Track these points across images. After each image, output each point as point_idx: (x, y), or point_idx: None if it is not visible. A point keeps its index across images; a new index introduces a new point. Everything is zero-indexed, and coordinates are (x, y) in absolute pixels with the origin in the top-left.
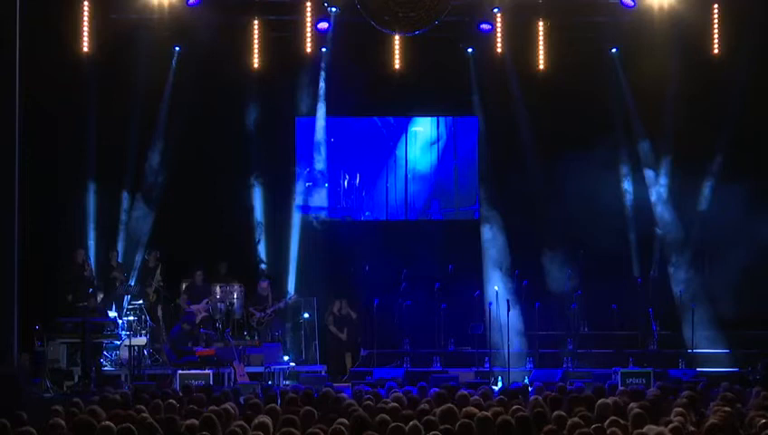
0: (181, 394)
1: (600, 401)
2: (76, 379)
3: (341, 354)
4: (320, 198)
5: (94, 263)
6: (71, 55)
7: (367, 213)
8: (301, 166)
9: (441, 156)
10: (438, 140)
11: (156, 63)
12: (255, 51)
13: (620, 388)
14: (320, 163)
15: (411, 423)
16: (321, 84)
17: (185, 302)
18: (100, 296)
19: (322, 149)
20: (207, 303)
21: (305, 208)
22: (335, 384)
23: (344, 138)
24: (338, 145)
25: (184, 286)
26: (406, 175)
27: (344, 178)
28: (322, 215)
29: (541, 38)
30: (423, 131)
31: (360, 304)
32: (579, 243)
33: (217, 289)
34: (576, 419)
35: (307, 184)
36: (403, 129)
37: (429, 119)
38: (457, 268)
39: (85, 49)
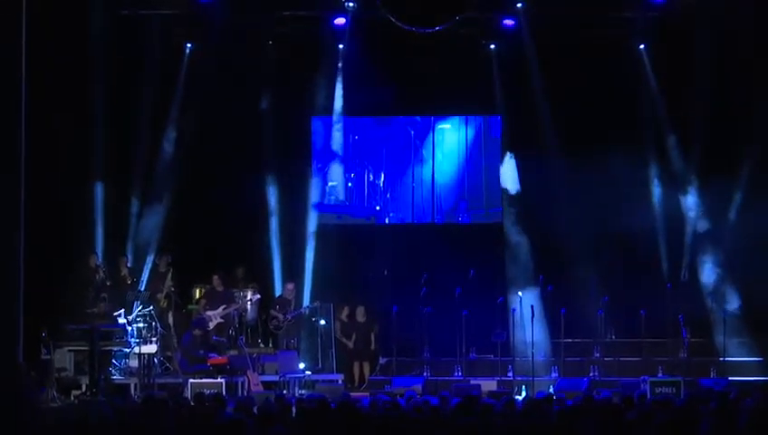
0: (193, 404)
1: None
2: (84, 388)
3: (350, 363)
4: (341, 197)
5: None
6: (78, 52)
7: (391, 214)
8: (317, 166)
9: (470, 154)
10: (467, 138)
11: (167, 61)
12: (270, 48)
13: (649, 397)
14: (337, 163)
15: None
16: (338, 83)
17: (204, 308)
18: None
19: (339, 149)
20: (225, 308)
21: (324, 207)
22: (353, 393)
23: (368, 136)
24: (362, 144)
25: (201, 292)
26: (433, 174)
27: (368, 177)
28: (344, 215)
29: (567, 34)
30: (450, 129)
31: (378, 310)
32: (606, 246)
33: (234, 295)
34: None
35: (330, 183)
36: (429, 126)
37: (455, 117)
38: (479, 273)
39: (94, 45)
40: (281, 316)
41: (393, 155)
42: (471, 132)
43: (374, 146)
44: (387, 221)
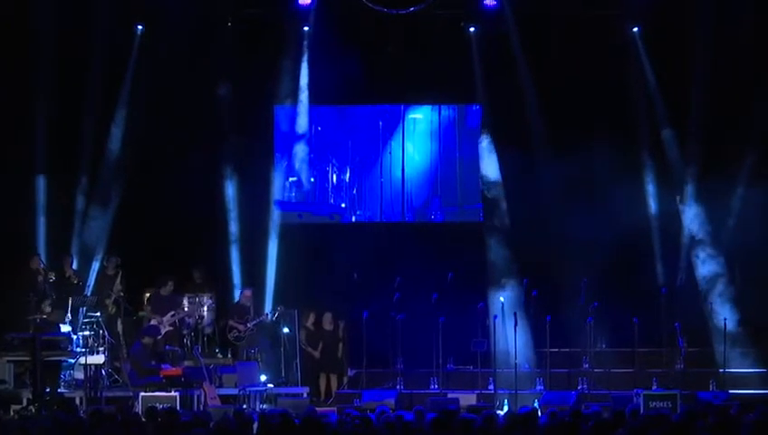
0: (144, 419)
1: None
2: (25, 402)
3: (316, 375)
4: (302, 194)
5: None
6: (20, 33)
7: (358, 212)
8: (280, 160)
9: (443, 147)
10: (440, 129)
11: (116, 44)
12: (229, 30)
13: (643, 412)
14: (302, 156)
15: None
16: (304, 68)
17: (150, 314)
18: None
19: (304, 141)
20: (173, 315)
21: (284, 205)
22: (319, 408)
23: (332, 127)
24: (325, 136)
25: (147, 297)
26: (403, 169)
27: (333, 172)
28: (306, 212)
29: (554, 16)
30: (422, 120)
31: (347, 317)
32: (595, 247)
33: (185, 300)
34: None
35: (291, 179)
36: (399, 116)
37: (429, 106)
38: (458, 276)
39: (35, 25)
40: (241, 326)
41: (360, 148)
42: (444, 122)
43: (339, 138)
44: (353, 219)
